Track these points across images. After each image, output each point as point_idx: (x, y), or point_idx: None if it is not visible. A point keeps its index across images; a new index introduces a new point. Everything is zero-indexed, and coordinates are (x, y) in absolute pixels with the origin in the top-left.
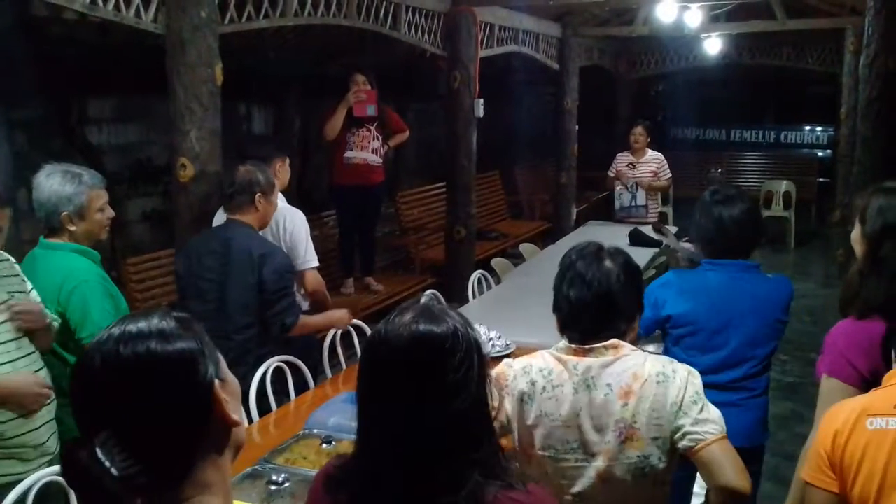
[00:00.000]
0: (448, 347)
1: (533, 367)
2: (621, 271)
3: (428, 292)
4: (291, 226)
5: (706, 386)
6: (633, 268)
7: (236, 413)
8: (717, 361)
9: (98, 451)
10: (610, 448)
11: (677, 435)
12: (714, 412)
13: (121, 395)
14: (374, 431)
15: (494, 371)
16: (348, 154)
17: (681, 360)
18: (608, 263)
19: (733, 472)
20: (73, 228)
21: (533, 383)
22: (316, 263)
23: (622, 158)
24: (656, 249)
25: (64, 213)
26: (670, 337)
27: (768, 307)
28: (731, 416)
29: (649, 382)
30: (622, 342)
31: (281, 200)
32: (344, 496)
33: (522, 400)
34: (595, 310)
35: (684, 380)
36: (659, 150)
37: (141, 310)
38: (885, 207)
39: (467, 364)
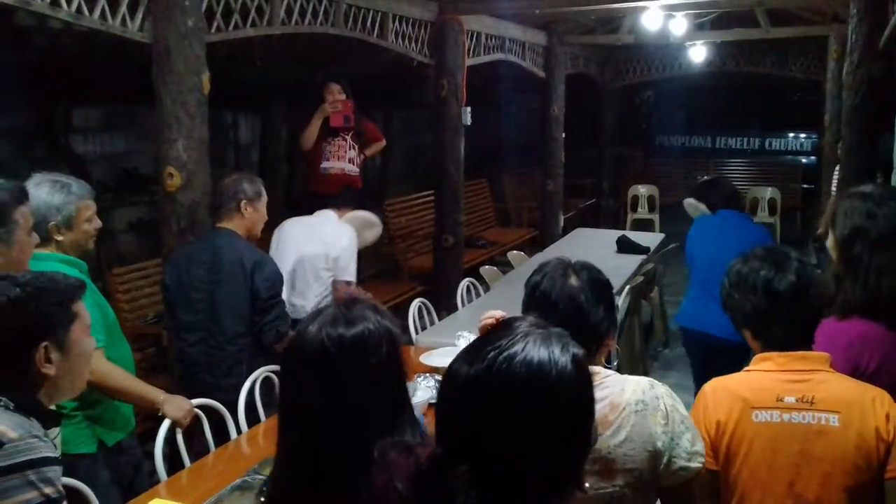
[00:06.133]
0: (362, 347)
1: None
2: (589, 288)
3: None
4: (341, 240)
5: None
6: (601, 283)
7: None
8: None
9: None
10: (585, 479)
11: (670, 468)
12: (699, 439)
13: None
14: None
15: None
16: (325, 164)
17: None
18: (573, 281)
19: None
20: (60, 238)
21: None
22: (350, 277)
23: None
24: (644, 256)
25: (51, 224)
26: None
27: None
28: None
29: (627, 412)
30: (596, 368)
31: (334, 218)
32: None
33: None
34: None
35: (668, 407)
36: (645, 158)
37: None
38: (851, 210)
39: (384, 357)
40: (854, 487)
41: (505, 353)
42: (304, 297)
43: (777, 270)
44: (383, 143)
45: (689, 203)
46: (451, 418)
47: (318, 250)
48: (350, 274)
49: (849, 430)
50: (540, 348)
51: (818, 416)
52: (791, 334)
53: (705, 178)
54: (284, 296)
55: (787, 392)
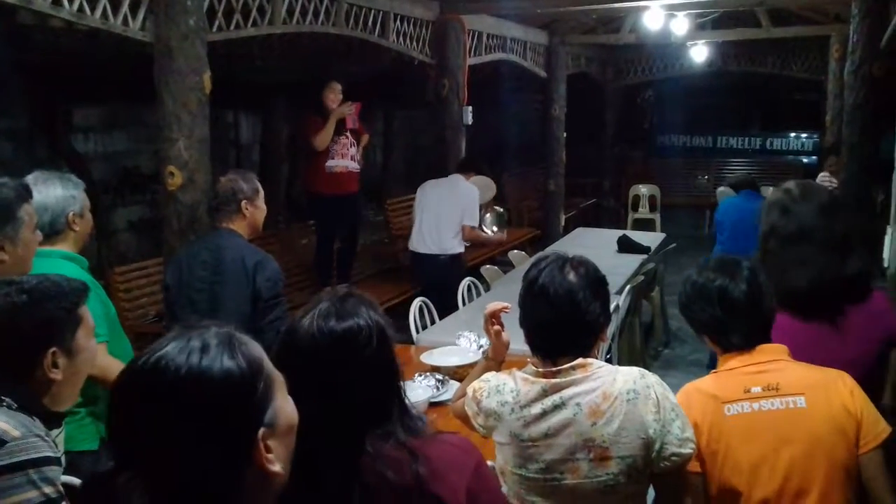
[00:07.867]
0: (355, 342)
1: (506, 386)
2: (586, 284)
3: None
4: (469, 196)
5: None
6: (598, 279)
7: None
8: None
9: None
10: (580, 467)
11: (662, 454)
12: (689, 426)
13: None
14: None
15: (473, 385)
16: (330, 163)
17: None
18: (572, 277)
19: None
20: (77, 228)
21: (503, 404)
22: (474, 223)
23: None
24: (645, 256)
25: (71, 213)
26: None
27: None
28: None
29: (619, 401)
30: (589, 360)
31: (463, 180)
32: None
33: (492, 417)
34: (560, 327)
35: (659, 395)
36: (646, 157)
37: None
38: (772, 206)
39: (374, 351)
40: (837, 464)
41: (152, 359)
42: (445, 240)
43: (730, 280)
44: (367, 136)
45: (721, 190)
46: (114, 423)
47: (454, 204)
48: (474, 220)
49: (816, 409)
50: (190, 356)
51: (785, 400)
52: (747, 338)
53: (742, 175)
54: (433, 240)
55: (753, 383)
